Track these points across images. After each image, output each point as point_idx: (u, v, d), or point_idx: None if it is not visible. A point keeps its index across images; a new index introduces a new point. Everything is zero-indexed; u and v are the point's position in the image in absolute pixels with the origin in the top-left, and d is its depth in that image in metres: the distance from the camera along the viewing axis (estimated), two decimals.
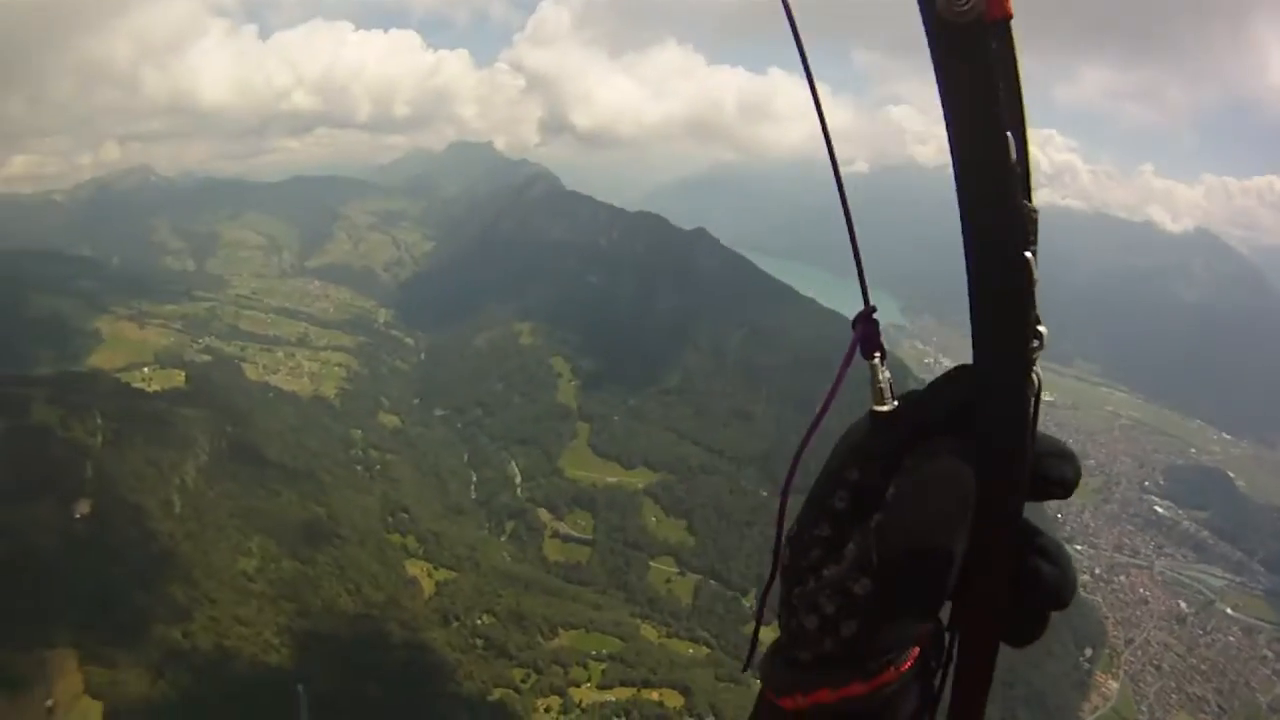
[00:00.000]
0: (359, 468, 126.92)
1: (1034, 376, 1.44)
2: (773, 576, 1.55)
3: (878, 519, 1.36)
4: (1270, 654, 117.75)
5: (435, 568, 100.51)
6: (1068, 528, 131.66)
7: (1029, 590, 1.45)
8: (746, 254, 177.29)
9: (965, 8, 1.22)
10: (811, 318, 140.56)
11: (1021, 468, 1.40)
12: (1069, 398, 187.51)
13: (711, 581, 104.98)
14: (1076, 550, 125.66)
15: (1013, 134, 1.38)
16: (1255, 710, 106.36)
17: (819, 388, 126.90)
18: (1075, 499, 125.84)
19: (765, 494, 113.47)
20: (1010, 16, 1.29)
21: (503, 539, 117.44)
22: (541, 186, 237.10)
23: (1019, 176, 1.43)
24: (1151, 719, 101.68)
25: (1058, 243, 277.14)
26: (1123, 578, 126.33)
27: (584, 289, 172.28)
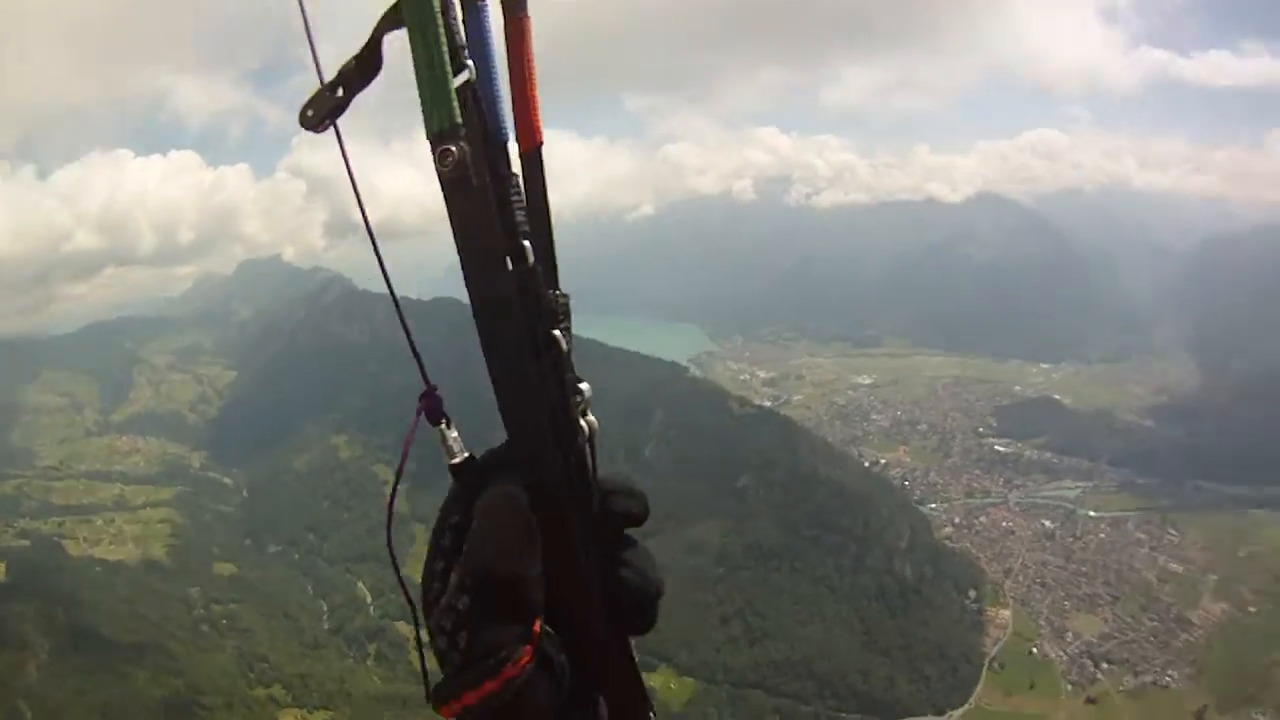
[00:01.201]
0: (205, 627, 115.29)
1: (585, 424, 1.82)
2: (415, 614, 1.78)
3: (465, 547, 1.66)
4: (1143, 535, 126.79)
5: (309, 711, 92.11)
6: (917, 492, 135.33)
7: (620, 593, 1.83)
8: None
9: (448, 166, 1.49)
10: (629, 368, 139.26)
11: (559, 500, 1.69)
12: (888, 375, 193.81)
13: None
14: (930, 508, 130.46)
15: (538, 237, 1.74)
16: (1146, 586, 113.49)
17: (652, 437, 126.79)
18: (918, 462, 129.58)
19: None
20: (540, 144, 1.68)
21: (368, 663, 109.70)
22: (335, 291, 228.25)
23: (525, 290, 1.72)
24: (1052, 629, 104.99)
25: (849, 238, 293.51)
26: (983, 519, 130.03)
27: (392, 389, 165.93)
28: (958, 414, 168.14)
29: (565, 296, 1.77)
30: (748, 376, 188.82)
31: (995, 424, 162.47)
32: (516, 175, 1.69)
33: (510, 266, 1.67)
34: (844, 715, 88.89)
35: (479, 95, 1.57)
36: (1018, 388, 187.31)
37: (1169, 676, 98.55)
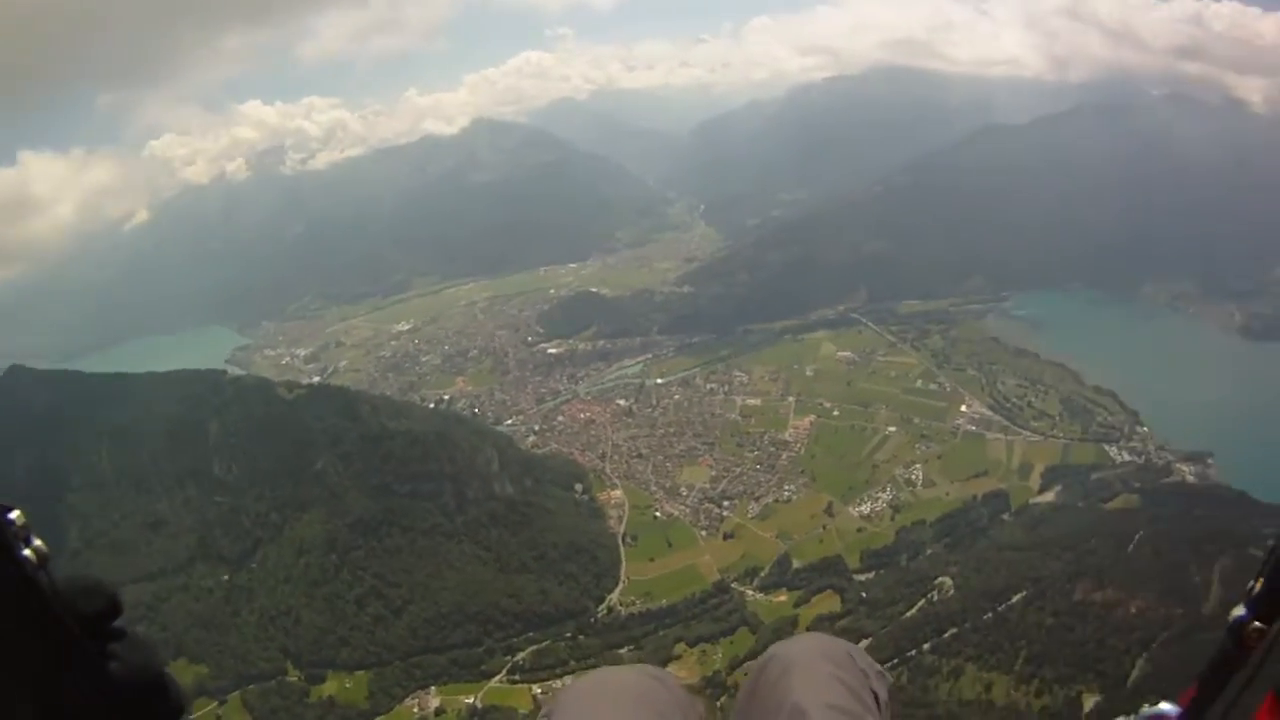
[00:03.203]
0: None
1: (32, 553, 1.73)
2: None
3: None
4: (714, 385, 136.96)
5: None
6: (489, 415, 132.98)
7: (120, 688, 1.83)
8: (73, 367, 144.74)
9: None
10: (164, 391, 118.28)
11: None
12: (425, 316, 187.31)
13: None
14: (507, 425, 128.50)
15: None
16: (734, 426, 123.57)
17: (215, 452, 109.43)
18: (480, 388, 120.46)
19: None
20: None
21: None
22: None
23: None
24: (664, 491, 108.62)
25: (353, 193, 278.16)
26: (560, 418, 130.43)
27: None
28: (504, 331, 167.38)
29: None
30: (289, 359, 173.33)
31: (542, 330, 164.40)
32: None
33: None
34: (515, 640, 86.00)
35: None
36: (554, 291, 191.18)
37: (787, 491, 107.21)
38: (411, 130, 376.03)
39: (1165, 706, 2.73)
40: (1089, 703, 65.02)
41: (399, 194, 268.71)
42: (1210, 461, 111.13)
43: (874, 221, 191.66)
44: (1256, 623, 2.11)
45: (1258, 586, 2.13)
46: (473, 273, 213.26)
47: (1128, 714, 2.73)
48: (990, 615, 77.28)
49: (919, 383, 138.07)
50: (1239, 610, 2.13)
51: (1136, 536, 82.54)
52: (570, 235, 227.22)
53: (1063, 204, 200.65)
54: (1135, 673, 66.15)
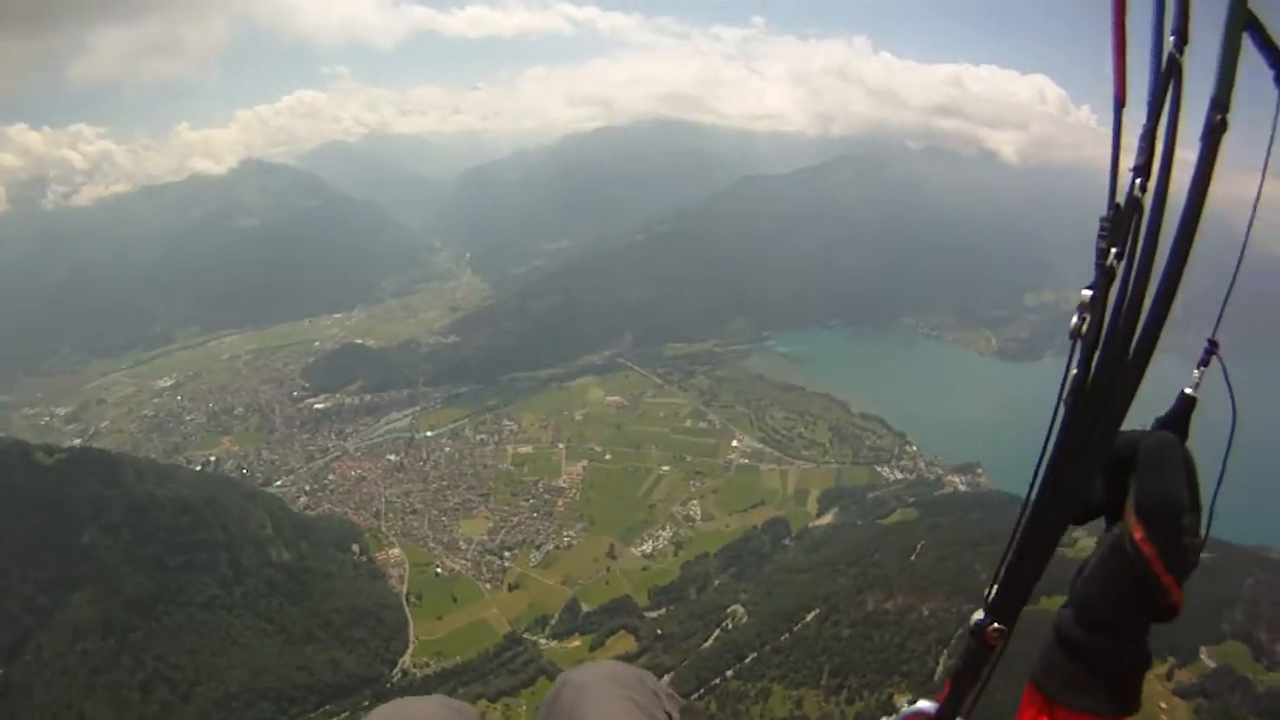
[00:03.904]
0: None
1: None
2: None
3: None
4: (484, 435, 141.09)
5: None
6: (258, 476, 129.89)
7: None
8: None
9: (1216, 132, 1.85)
10: None
11: None
12: (188, 370, 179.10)
13: None
14: (278, 487, 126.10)
15: None
16: (508, 475, 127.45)
17: None
18: (247, 447, 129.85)
19: None
20: None
21: None
22: None
23: None
24: (443, 546, 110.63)
25: (118, 233, 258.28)
26: (331, 476, 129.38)
27: None
28: (269, 386, 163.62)
29: None
30: (48, 418, 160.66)
31: (307, 384, 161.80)
32: None
33: None
34: (312, 715, 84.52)
35: None
36: (318, 343, 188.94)
37: (567, 536, 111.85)
38: (180, 168, 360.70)
39: (924, 704, 2.85)
40: (902, 702, 73.27)
41: (163, 237, 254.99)
42: (979, 470, 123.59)
43: (637, 269, 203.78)
44: (995, 624, 2.33)
45: (992, 592, 2.36)
46: (236, 323, 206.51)
47: (888, 714, 3.00)
48: (787, 635, 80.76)
49: (688, 422, 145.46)
50: (978, 614, 2.36)
51: (919, 545, 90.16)
52: (335, 284, 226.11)
53: (823, 249, 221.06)
54: (939, 668, 70.74)
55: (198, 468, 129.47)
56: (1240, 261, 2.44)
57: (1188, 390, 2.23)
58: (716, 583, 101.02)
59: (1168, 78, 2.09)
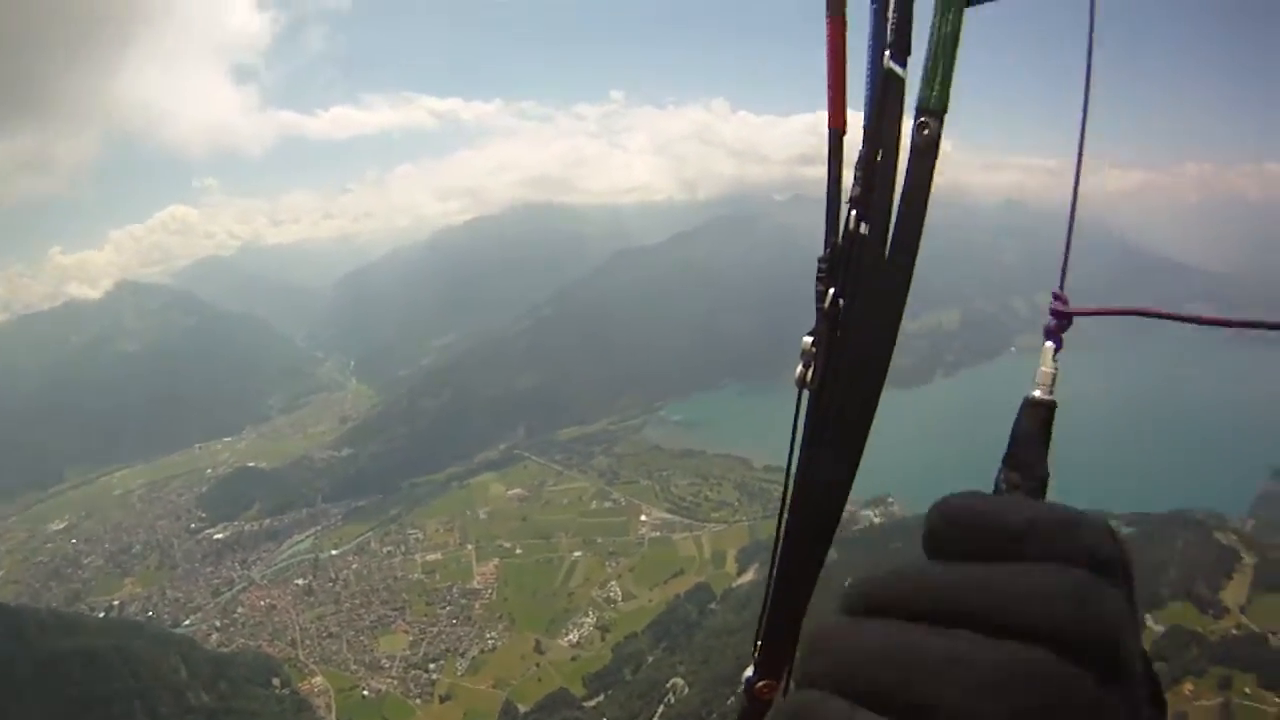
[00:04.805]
0: None
1: None
2: None
3: None
4: (390, 547, 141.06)
5: None
6: (165, 617, 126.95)
7: None
8: None
9: (924, 137, 1.93)
10: None
11: None
12: (80, 511, 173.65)
13: None
14: (186, 626, 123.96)
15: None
16: (420, 585, 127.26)
17: None
18: (150, 588, 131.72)
19: None
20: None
21: None
22: None
23: None
24: (365, 667, 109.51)
25: None
26: (240, 609, 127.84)
27: None
28: (165, 520, 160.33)
29: None
30: None
31: (204, 515, 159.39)
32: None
33: None
34: None
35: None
36: (210, 470, 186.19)
37: (490, 639, 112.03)
38: (55, 294, 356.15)
39: None
40: None
41: (44, 368, 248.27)
42: (890, 501, 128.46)
43: (523, 356, 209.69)
44: (763, 681, 2.40)
45: (757, 649, 2.41)
46: (125, 457, 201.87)
47: None
48: (733, 698, 77.64)
49: (594, 504, 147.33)
50: (748, 671, 2.41)
51: (846, 583, 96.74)
52: (221, 406, 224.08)
53: (704, 311, 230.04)
54: None
55: (101, 614, 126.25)
56: (1067, 254, 1.81)
57: (1036, 394, 1.73)
58: (650, 659, 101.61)
59: (884, 94, 2.05)
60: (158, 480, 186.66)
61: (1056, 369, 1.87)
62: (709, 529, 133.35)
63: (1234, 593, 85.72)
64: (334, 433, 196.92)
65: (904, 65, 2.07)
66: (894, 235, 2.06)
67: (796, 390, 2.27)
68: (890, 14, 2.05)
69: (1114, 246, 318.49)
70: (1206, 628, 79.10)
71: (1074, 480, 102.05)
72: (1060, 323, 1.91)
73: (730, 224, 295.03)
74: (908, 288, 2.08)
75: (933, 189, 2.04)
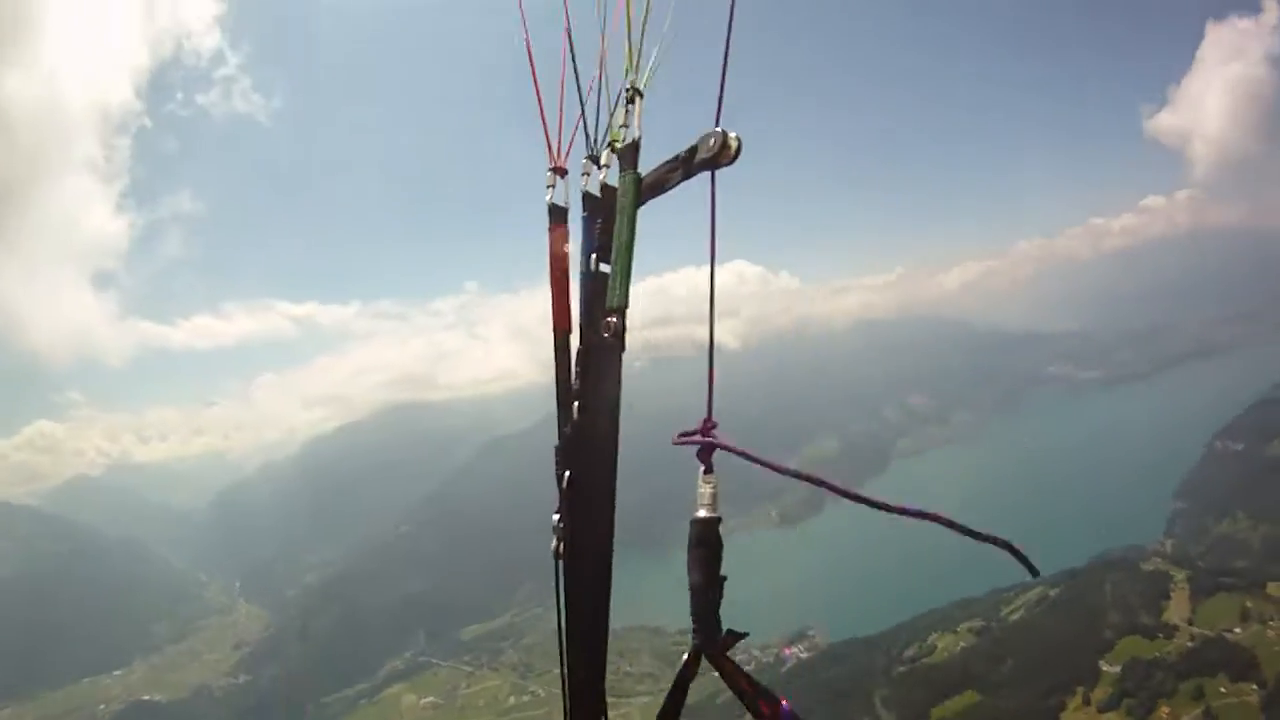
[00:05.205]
0: None
1: None
2: None
3: None
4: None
5: None
6: None
7: None
8: None
9: (610, 332, 2.63)
10: None
11: None
12: None
13: None
14: None
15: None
16: None
17: None
18: None
19: None
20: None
21: None
22: None
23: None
24: None
25: None
26: None
27: None
28: None
29: None
30: None
31: None
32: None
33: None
34: None
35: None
36: (103, 706, 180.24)
37: None
38: None
39: None
40: None
41: None
42: (812, 632, 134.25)
43: (408, 560, 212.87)
44: None
45: None
46: (6, 695, 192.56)
47: None
48: None
49: (511, 699, 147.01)
50: None
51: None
52: (107, 636, 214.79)
53: None
54: None
55: None
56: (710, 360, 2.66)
57: (701, 514, 2.49)
58: None
59: (593, 293, 2.79)
60: (46, 718, 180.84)
61: (715, 487, 2.50)
62: (636, 704, 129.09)
63: (1176, 610, 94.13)
64: (229, 659, 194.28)
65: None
66: (599, 414, 2.77)
67: (554, 561, 2.87)
68: (596, 223, 2.83)
69: (969, 335, 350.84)
70: (1162, 650, 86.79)
71: (983, 562, 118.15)
72: (704, 450, 2.49)
73: None
74: (616, 455, 2.82)
75: (621, 376, 2.76)
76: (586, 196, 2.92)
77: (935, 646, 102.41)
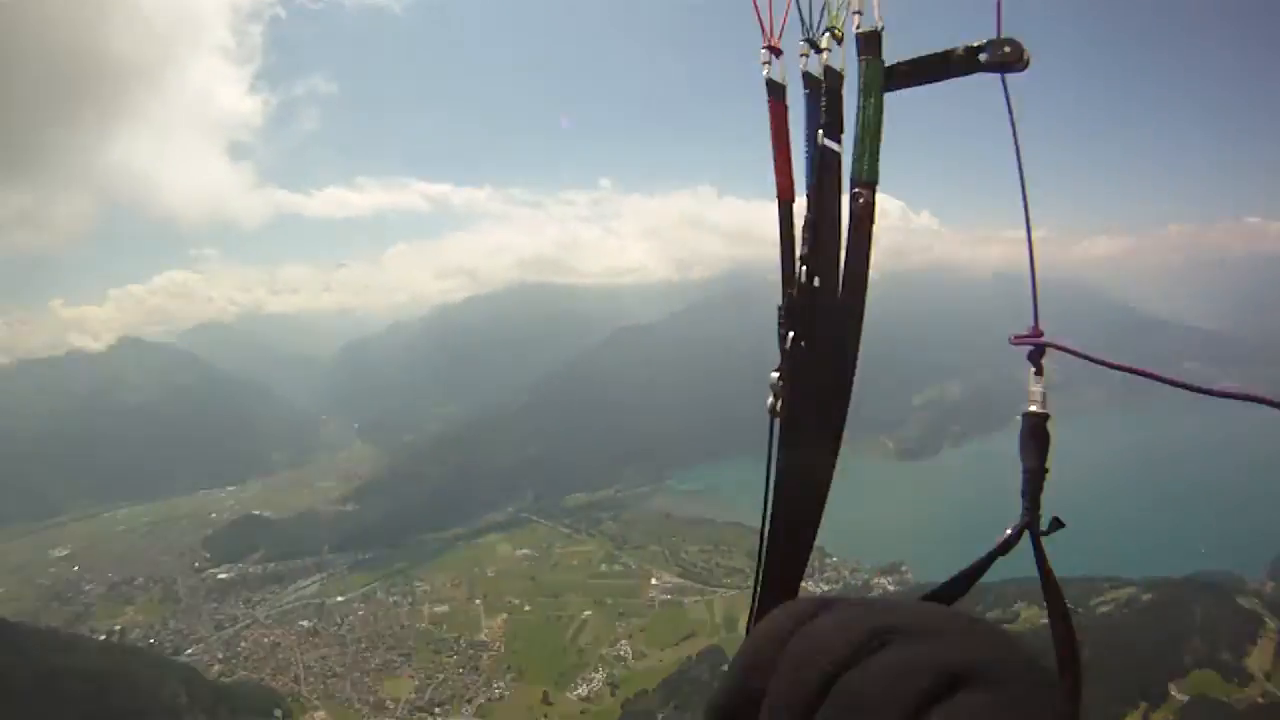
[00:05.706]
0: None
1: None
2: None
3: None
4: (397, 597, 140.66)
5: None
6: (167, 645, 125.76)
7: None
8: None
9: (860, 205, 2.61)
10: None
11: None
12: (83, 542, 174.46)
13: None
14: (189, 655, 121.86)
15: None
16: (427, 634, 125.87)
17: None
18: (152, 617, 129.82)
19: None
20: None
21: None
22: None
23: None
24: (370, 707, 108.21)
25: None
26: (244, 644, 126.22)
27: None
28: (169, 558, 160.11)
29: None
30: None
31: (209, 555, 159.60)
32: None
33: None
34: None
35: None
36: (215, 515, 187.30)
37: (497, 689, 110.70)
38: (57, 343, 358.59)
39: None
40: None
41: (46, 411, 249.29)
42: (904, 569, 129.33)
43: (528, 426, 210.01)
44: None
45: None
46: (128, 496, 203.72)
47: None
48: None
49: (603, 566, 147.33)
50: None
51: None
52: (225, 458, 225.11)
53: (706, 385, 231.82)
54: None
55: (102, 637, 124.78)
56: (1035, 308, 2.70)
57: (1033, 408, 2.56)
58: (661, 717, 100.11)
59: (821, 167, 2.66)
60: (160, 520, 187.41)
61: (1043, 388, 2.48)
62: (720, 594, 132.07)
63: (1259, 659, 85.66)
64: (340, 489, 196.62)
65: (838, 141, 2.65)
66: (843, 285, 2.63)
67: (769, 418, 2.77)
68: (821, 100, 2.71)
69: (1107, 307, 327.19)
70: (1232, 695, 79.42)
71: (1087, 544, 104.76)
72: (1034, 350, 2.50)
73: (725, 303, 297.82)
74: (860, 326, 2.66)
75: (872, 248, 2.63)
76: (807, 76, 2.87)
77: (1019, 615, 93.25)
